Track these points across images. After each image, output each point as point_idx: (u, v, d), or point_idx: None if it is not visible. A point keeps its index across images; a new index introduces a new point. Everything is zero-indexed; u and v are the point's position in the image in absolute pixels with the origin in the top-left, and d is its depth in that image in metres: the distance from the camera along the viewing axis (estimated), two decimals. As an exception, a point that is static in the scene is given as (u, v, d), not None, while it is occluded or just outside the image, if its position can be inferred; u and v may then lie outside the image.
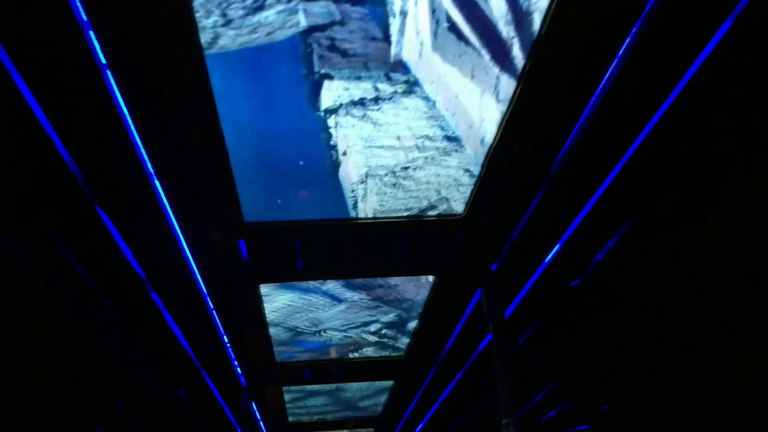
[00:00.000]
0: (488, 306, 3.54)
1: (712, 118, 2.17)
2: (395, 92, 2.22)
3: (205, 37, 1.89)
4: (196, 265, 3.32)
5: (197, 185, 2.57)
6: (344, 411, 6.54)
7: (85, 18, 1.82)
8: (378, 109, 2.29)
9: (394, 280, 3.70)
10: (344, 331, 4.39)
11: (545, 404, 4.87)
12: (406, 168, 2.60)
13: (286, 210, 2.82)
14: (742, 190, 2.34)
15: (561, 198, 2.74)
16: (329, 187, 2.69)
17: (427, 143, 2.48)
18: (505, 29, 1.97)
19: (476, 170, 2.60)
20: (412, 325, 4.32)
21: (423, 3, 1.88)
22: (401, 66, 2.11)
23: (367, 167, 2.59)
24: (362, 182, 2.66)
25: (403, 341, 4.62)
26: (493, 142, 2.44)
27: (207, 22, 1.85)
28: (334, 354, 4.83)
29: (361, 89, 2.20)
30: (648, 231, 2.75)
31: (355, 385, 5.75)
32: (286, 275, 3.50)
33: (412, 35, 1.99)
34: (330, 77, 2.12)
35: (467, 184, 2.70)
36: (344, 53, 2.02)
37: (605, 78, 2.10)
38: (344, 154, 2.50)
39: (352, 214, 2.85)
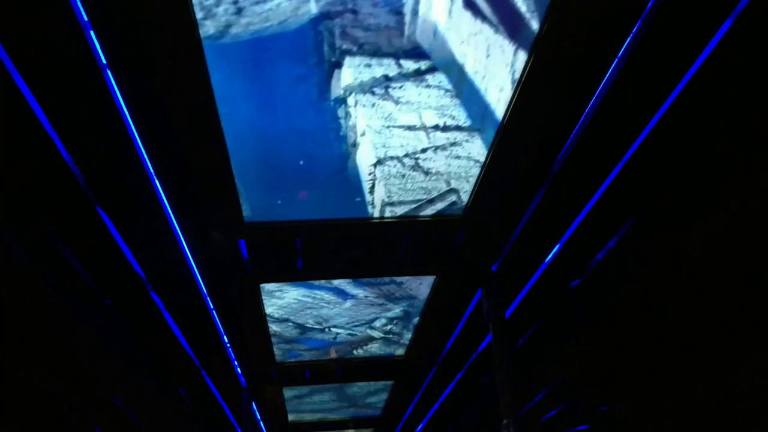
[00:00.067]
0: (488, 306, 3.53)
1: (713, 118, 2.17)
2: (419, 69, 2.14)
3: (216, 25, 1.87)
4: (196, 265, 3.32)
5: (197, 185, 2.57)
6: (349, 408, 6.50)
7: (85, 18, 1.82)
8: (400, 87, 2.23)
9: (401, 277, 3.69)
10: (350, 328, 4.37)
11: (545, 404, 4.87)
12: (426, 150, 2.53)
13: (287, 209, 2.81)
14: (742, 190, 2.34)
15: (561, 198, 2.74)
16: (338, 182, 2.65)
17: (450, 122, 2.40)
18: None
19: None
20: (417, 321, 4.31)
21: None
22: (425, 40, 2.03)
23: (386, 148, 2.51)
24: (379, 164, 2.59)
25: (408, 337, 4.60)
26: (494, 142, 2.44)
27: (218, 10, 1.83)
28: (341, 351, 4.81)
29: (384, 66, 2.12)
30: (648, 231, 2.75)
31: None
32: (286, 275, 3.50)
33: (434, 7, 1.93)
34: (351, 53, 2.06)
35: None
36: (367, 28, 1.97)
37: (605, 78, 2.10)
38: (362, 134, 2.42)
39: (368, 199, 2.79)
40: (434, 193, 2.79)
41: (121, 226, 2.74)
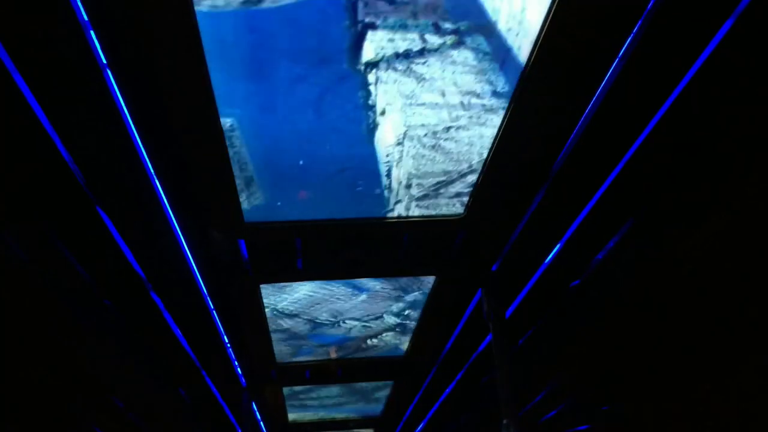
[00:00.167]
0: (488, 306, 3.53)
1: (713, 118, 2.17)
2: (443, 44, 2.05)
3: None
4: (196, 265, 3.32)
5: (197, 185, 2.57)
6: (357, 403, 6.45)
7: (85, 18, 1.82)
8: (424, 63, 2.12)
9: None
10: (365, 321, 4.29)
11: (545, 404, 4.88)
12: (448, 128, 2.41)
13: (291, 209, 2.81)
14: (742, 190, 2.34)
15: (561, 198, 2.74)
16: (348, 178, 2.60)
17: (474, 100, 2.28)
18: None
19: None
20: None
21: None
22: (454, 13, 1.94)
23: (406, 127, 2.40)
24: (399, 144, 2.48)
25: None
26: (494, 142, 2.44)
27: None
28: (352, 347, 4.75)
29: (408, 41, 2.04)
30: (648, 231, 2.75)
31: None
32: (287, 275, 3.50)
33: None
34: (374, 27, 1.98)
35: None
36: (391, 1, 1.90)
37: (606, 78, 2.10)
38: (382, 113, 2.33)
39: (385, 183, 2.70)
40: (454, 175, 2.68)
41: (121, 226, 2.74)
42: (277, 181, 2.64)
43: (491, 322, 3.53)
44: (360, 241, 3.14)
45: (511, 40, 2.04)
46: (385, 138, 2.47)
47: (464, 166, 2.64)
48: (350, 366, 5.05)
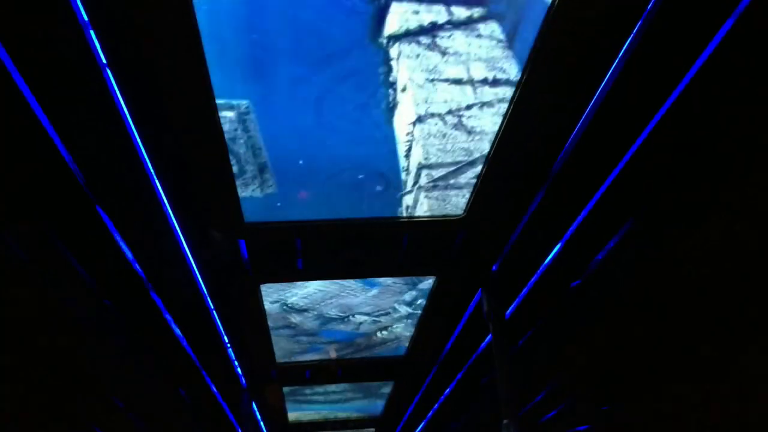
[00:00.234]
0: (488, 306, 3.53)
1: (713, 118, 2.17)
2: (470, 17, 1.97)
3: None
4: (196, 265, 3.32)
5: (197, 185, 2.57)
6: (363, 399, 6.42)
7: (85, 18, 1.82)
8: (449, 37, 2.02)
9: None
10: (375, 316, 4.24)
11: (545, 404, 4.87)
12: (471, 106, 2.30)
13: (292, 209, 2.80)
14: (742, 190, 2.34)
15: (561, 198, 2.74)
16: (362, 178, 2.57)
17: (500, 76, 2.18)
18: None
19: None
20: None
21: None
22: None
23: (428, 104, 2.30)
24: (419, 122, 2.39)
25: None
26: (494, 142, 2.44)
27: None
28: (361, 344, 4.71)
29: (433, 13, 1.94)
30: (648, 231, 2.75)
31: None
32: (287, 275, 3.50)
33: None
34: None
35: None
36: None
37: (606, 78, 2.10)
38: (404, 90, 2.22)
39: (403, 164, 2.60)
40: (476, 154, 2.58)
41: (121, 226, 2.74)
42: (281, 179, 2.63)
43: (491, 322, 3.53)
44: (360, 241, 3.14)
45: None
46: (405, 116, 2.36)
47: (486, 146, 2.54)
48: (350, 366, 5.05)
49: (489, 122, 2.40)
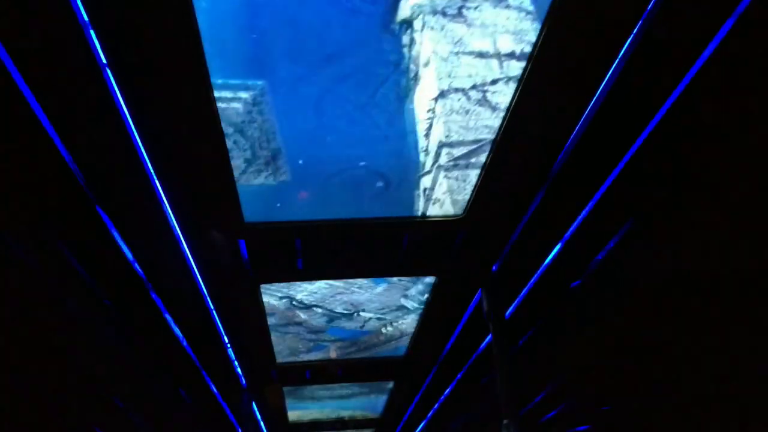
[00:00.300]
0: (488, 306, 3.53)
1: (713, 118, 2.17)
2: None
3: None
4: (196, 266, 3.32)
5: (197, 185, 2.57)
6: (370, 394, 6.37)
7: (85, 18, 1.82)
8: (476, 8, 1.93)
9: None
10: (381, 313, 4.21)
11: (545, 404, 4.87)
12: (496, 81, 2.18)
13: (291, 209, 2.80)
14: (741, 190, 2.34)
15: (561, 198, 2.74)
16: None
17: (528, 50, 2.07)
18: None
19: None
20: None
21: None
22: None
23: (451, 79, 2.18)
24: (441, 97, 2.27)
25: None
26: (494, 142, 2.44)
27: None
28: (367, 342, 4.69)
29: None
30: (648, 231, 2.75)
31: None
32: (287, 275, 3.50)
33: None
34: None
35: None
36: None
37: (606, 78, 2.10)
38: (426, 64, 2.12)
39: (422, 145, 2.51)
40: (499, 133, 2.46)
41: (121, 226, 2.74)
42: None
43: (491, 322, 3.53)
44: (360, 241, 3.14)
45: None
46: (427, 91, 2.25)
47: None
48: (350, 366, 5.05)
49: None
